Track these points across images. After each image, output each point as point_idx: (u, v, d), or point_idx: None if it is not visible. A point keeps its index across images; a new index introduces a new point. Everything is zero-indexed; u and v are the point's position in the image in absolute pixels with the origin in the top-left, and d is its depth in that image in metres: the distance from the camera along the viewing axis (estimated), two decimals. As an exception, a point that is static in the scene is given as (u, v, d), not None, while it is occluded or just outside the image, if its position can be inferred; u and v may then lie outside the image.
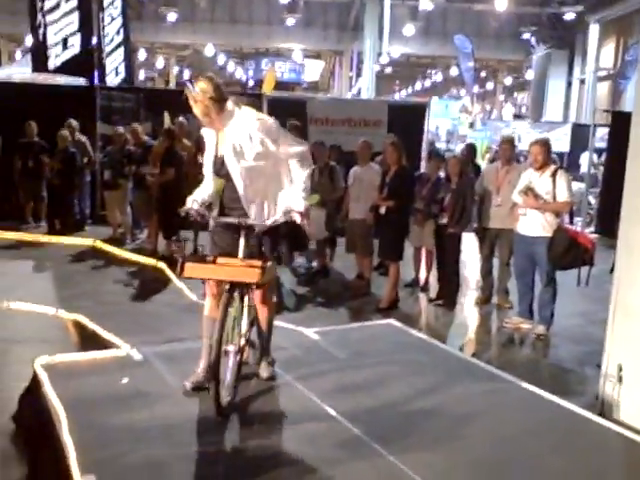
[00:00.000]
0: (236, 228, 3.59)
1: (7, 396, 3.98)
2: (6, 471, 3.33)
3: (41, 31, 12.63)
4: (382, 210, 6.68)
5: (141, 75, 32.02)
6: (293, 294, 6.95)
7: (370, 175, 7.08)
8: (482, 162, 14.42)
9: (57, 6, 12.48)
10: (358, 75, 29.68)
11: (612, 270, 4.63)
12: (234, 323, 3.54)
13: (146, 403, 3.56)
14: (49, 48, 12.60)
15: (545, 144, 6.27)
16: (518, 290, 6.32)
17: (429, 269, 7.44)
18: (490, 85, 35.11)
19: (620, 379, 4.32)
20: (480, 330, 6.43)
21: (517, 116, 27.22)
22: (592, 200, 12.64)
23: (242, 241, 3.53)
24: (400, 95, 40.94)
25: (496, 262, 7.03)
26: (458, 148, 19.07)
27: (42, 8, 12.47)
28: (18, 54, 28.10)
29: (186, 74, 35.37)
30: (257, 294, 3.74)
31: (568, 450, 3.36)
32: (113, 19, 14.40)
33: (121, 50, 14.21)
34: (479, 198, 6.91)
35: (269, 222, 3.60)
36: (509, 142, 7.28)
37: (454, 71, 28.16)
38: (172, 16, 24.58)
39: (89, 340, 5.02)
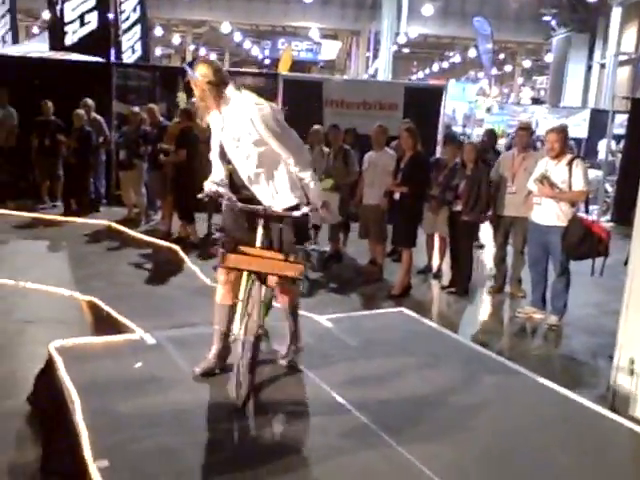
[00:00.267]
0: (250, 215, 3.54)
1: (23, 376, 4.04)
2: (21, 452, 3.40)
3: (58, 7, 12.61)
4: (396, 196, 6.65)
5: (157, 52, 31.93)
6: (306, 279, 6.97)
7: (385, 160, 7.04)
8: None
9: (74, -18, 12.45)
10: (375, 56, 29.42)
11: (627, 262, 4.61)
12: (251, 310, 3.49)
13: (159, 388, 3.59)
14: (66, 25, 12.59)
15: (562, 132, 6.19)
16: (531, 279, 6.29)
17: (442, 256, 7.42)
18: (509, 68, 34.66)
19: (632, 372, 4.32)
20: (492, 319, 6.43)
21: (535, 100, 26.88)
22: (609, 188, 12.51)
23: (260, 230, 3.48)
24: (417, 76, 40.58)
25: (510, 250, 7.00)
26: (475, 132, 18.91)
27: (59, -16, 12.45)
28: (35, 29, 28.14)
29: (202, 51, 35.27)
30: (280, 290, 3.71)
31: (577, 444, 3.36)
32: (130, -5, 14.31)
33: (137, 28, 14.16)
34: (494, 185, 6.86)
35: (295, 212, 3.53)
36: (526, 129, 7.21)
37: (472, 53, 27.81)
38: (189, -8, 24.48)
39: (103, 322, 5.09)
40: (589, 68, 24.83)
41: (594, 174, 13.08)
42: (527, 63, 33.01)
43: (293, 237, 3.66)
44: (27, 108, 9.83)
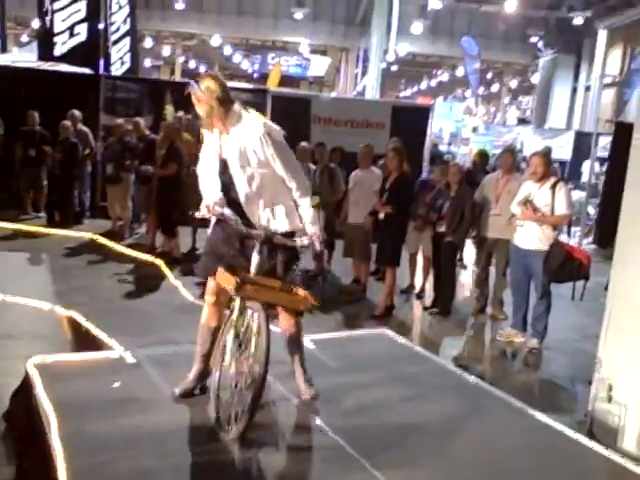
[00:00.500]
0: (244, 238, 3.46)
1: (-1, 394, 3.99)
2: (-5, 471, 3.35)
3: (48, 18, 12.61)
4: (381, 215, 6.68)
5: (147, 63, 31.93)
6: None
7: (371, 180, 7.08)
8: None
9: (65, -7, 12.47)
10: (364, 72, 29.60)
11: (607, 287, 4.65)
12: (251, 343, 3.31)
13: (137, 409, 3.56)
14: (55, 35, 12.60)
15: (545, 156, 6.28)
16: (513, 302, 6.33)
17: (426, 276, 7.45)
18: (495, 87, 35.00)
19: (610, 398, 4.35)
20: (474, 341, 6.45)
21: (521, 120, 27.16)
22: (592, 211, 12.63)
23: (255, 255, 3.39)
24: (405, 94, 40.87)
25: (492, 272, 7.05)
26: (461, 151, 19.06)
27: (50, -5, 12.46)
28: (24, 37, 28.05)
29: (192, 64, 35.30)
30: (284, 315, 3.64)
31: (553, 472, 3.37)
32: (120, 7, 14.33)
33: (127, 40, 14.17)
34: (478, 207, 6.92)
35: (297, 241, 3.48)
36: (510, 152, 7.31)
37: (460, 72, 28.09)
38: (180, 5, 24.53)
39: (83, 338, 5.05)
40: (574, 90, 25.15)
41: (577, 196, 13.24)
42: (514, 83, 33.36)
43: (294, 265, 3.58)
44: (13, 118, 9.78)
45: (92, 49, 12.49)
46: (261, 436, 3.43)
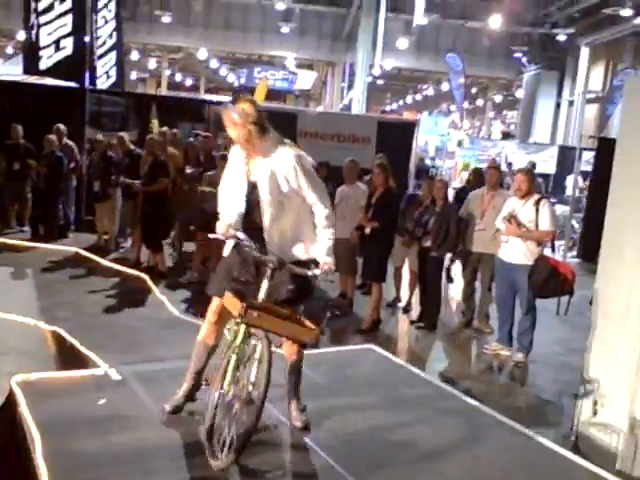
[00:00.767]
0: (258, 263, 3.39)
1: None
2: (-23, 492, 3.31)
3: (34, 32, 12.58)
4: (367, 230, 6.71)
5: (133, 76, 31.92)
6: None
7: (356, 195, 7.12)
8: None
9: (51, 7, 12.43)
10: (350, 86, 29.79)
11: (592, 301, 4.70)
12: (246, 368, 3.25)
13: (123, 427, 3.53)
14: (41, 49, 12.55)
15: (529, 172, 6.38)
16: (498, 317, 6.37)
17: (412, 290, 7.48)
18: (480, 102, 35.36)
19: (595, 412, 4.38)
20: (460, 355, 6.48)
21: (506, 134, 27.43)
22: (576, 225, 12.75)
23: (265, 282, 3.31)
24: (391, 107, 41.15)
25: (478, 286, 7.09)
26: (446, 165, 19.19)
27: (36, 9, 12.42)
28: (9, 49, 27.97)
29: (178, 76, 35.34)
30: (288, 343, 3.57)
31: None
32: (106, 22, 14.31)
33: (113, 53, 14.15)
34: (464, 222, 6.97)
35: (309, 271, 3.38)
36: (495, 168, 7.39)
37: (445, 86, 28.34)
38: (166, 18, 24.60)
39: (68, 354, 5.01)
40: (558, 105, 25.45)
41: (561, 209, 13.36)
42: (498, 98, 33.71)
43: (306, 294, 3.51)
44: (-2, 131, 9.73)
45: (78, 63, 12.43)
46: (249, 454, 3.41)
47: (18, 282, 7.58)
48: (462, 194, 7.47)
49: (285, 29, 26.48)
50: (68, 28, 12.38)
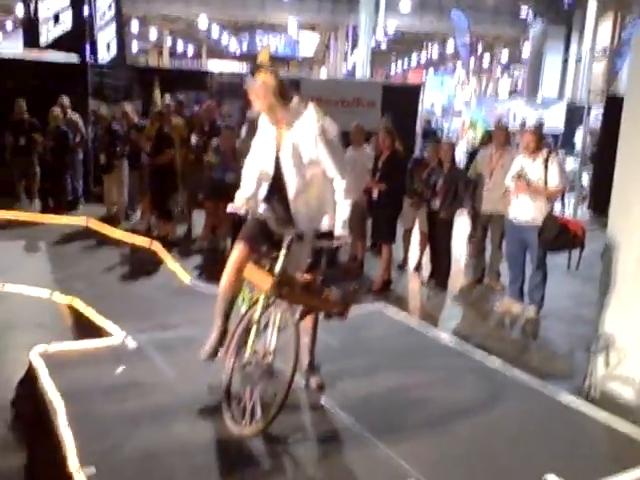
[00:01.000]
0: (278, 236, 3.37)
1: (4, 382, 4.01)
2: (5, 459, 3.38)
3: (32, 6, 12.45)
4: (375, 194, 6.70)
5: (134, 47, 31.65)
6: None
7: (363, 158, 7.07)
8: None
9: (48, -19, 12.29)
10: (353, 49, 29.44)
11: (603, 256, 4.70)
12: (266, 337, 3.26)
13: (141, 393, 3.61)
14: (40, 24, 12.43)
15: (537, 130, 6.32)
16: (509, 273, 6.39)
17: (423, 250, 7.50)
18: (486, 60, 34.85)
19: (607, 364, 4.42)
20: (471, 312, 6.51)
21: (513, 91, 27.10)
22: (585, 180, 12.67)
23: (282, 254, 3.30)
24: (395, 70, 40.62)
25: (488, 244, 7.10)
26: (453, 125, 19.03)
27: (33, -17, 12.29)
28: (9, 24, 27.74)
29: (180, 45, 35.00)
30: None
31: (553, 438, 3.43)
32: (105, -7, 14.13)
33: (113, 25, 13.95)
34: (472, 182, 6.95)
35: (326, 242, 3.35)
36: (502, 128, 7.35)
37: (451, 46, 27.93)
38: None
39: (84, 325, 5.07)
40: (565, 61, 25.07)
41: (571, 166, 13.28)
42: (505, 55, 33.21)
43: (327, 265, 3.44)
44: (1, 107, 9.70)
45: (78, 37, 12.29)
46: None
47: (31, 255, 7.65)
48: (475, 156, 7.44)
49: (286, -8, 26.11)
50: (66, 1, 12.23)
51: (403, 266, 7.61)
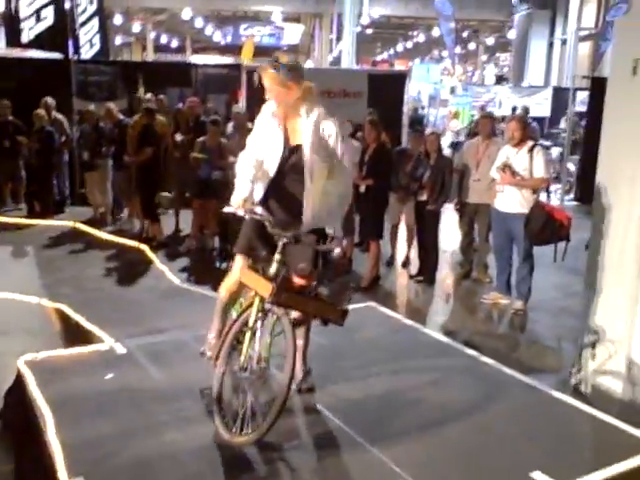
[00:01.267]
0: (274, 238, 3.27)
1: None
2: (-7, 469, 3.40)
3: (13, 4, 12.32)
4: (362, 189, 6.70)
5: (117, 41, 31.38)
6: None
7: (350, 152, 7.06)
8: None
9: (28, -23, 12.17)
10: (338, 38, 29.27)
11: (588, 246, 4.73)
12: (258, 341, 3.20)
13: (131, 400, 3.59)
14: (22, 21, 12.31)
15: (522, 120, 6.33)
16: (497, 266, 6.43)
17: (410, 245, 7.51)
18: (472, 46, 34.80)
19: (594, 356, 4.46)
20: (460, 306, 6.54)
21: (499, 77, 27.09)
22: (572, 167, 12.69)
23: (277, 256, 3.22)
24: (382, 57, 40.50)
25: (476, 236, 7.12)
26: (440, 113, 19.01)
27: (13, -20, 12.16)
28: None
29: (164, 39, 34.69)
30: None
31: (542, 435, 3.46)
32: (86, -12, 14.01)
33: (95, 21, 13.88)
34: (459, 173, 6.96)
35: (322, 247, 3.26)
36: (488, 117, 7.33)
37: (436, 32, 27.83)
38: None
39: (72, 331, 5.06)
40: (551, 44, 25.04)
41: (557, 151, 13.31)
42: (490, 40, 33.14)
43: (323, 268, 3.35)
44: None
45: (60, 33, 12.21)
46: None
47: (18, 260, 7.61)
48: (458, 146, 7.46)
49: (269, -18, 25.89)
50: (46, -2, 12.14)
51: (391, 262, 7.62)
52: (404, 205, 7.17)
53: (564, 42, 23.79)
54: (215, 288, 6.19)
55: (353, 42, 26.40)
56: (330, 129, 3.32)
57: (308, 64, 30.56)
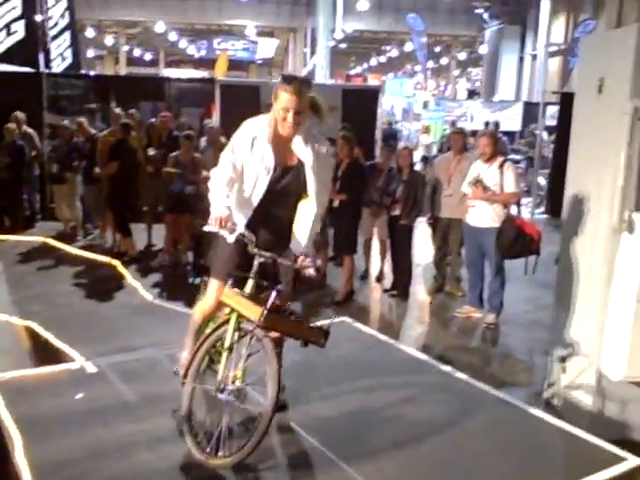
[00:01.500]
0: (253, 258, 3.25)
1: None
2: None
3: (-17, 17, 12.20)
4: (335, 203, 6.72)
5: (90, 54, 31.16)
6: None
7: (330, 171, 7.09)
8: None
9: (-1, -9, 12.07)
10: (313, 52, 29.49)
11: (557, 261, 4.79)
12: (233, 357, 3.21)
13: (102, 420, 3.56)
14: (-8, 35, 12.20)
15: (492, 136, 6.42)
16: (469, 280, 6.48)
17: (383, 259, 7.55)
18: (444, 61, 35.27)
19: (564, 369, 4.51)
20: (433, 321, 6.57)
21: (471, 92, 27.50)
22: (542, 181, 12.88)
23: (252, 275, 3.24)
24: (355, 72, 40.85)
25: (449, 251, 7.18)
26: (413, 127, 19.20)
27: (-18, -7, 12.04)
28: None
29: (137, 52, 34.59)
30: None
31: (515, 449, 3.50)
32: (57, 1, 13.91)
33: (67, 34, 13.78)
34: (431, 188, 7.03)
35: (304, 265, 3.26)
36: (460, 133, 7.41)
37: (409, 46, 28.21)
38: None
39: (43, 349, 4.96)
40: (521, 60, 25.51)
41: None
42: (462, 55, 33.64)
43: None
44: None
45: (31, 47, 12.10)
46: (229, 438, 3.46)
47: (-13, 277, 7.48)
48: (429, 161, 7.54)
49: (243, -4, 26.04)
50: (18, 11, 12.02)
51: (365, 276, 7.65)
52: (376, 219, 7.20)
53: (534, 57, 24.27)
54: (189, 304, 6.20)
55: (327, 56, 26.66)
56: (323, 149, 3.33)
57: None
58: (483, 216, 6.08)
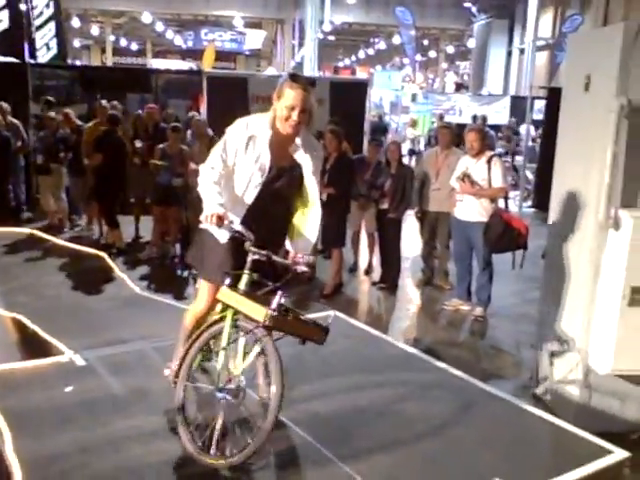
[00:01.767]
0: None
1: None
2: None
3: (-33, 7, 12.04)
4: (324, 197, 6.71)
5: (76, 43, 30.88)
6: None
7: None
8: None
9: (-18, -21, 11.90)
10: (301, 44, 29.38)
11: (544, 255, 4.83)
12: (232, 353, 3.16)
13: (92, 413, 3.54)
14: (-24, 25, 12.03)
15: (480, 131, 6.44)
16: (457, 273, 6.53)
17: (371, 252, 7.57)
18: (433, 54, 35.30)
19: (552, 363, 4.55)
20: (421, 313, 6.61)
21: (459, 85, 27.55)
22: (530, 175, 12.96)
23: (246, 272, 3.20)
24: (344, 64, 40.78)
25: (437, 244, 7.22)
26: (401, 120, 19.22)
27: (-35, -18, 11.88)
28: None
29: (123, 42, 34.29)
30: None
31: (502, 443, 3.52)
32: (42, -10, 13.75)
33: (52, 24, 13.62)
34: (419, 182, 7.05)
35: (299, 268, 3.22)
36: (447, 128, 7.44)
37: (397, 39, 28.19)
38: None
39: (30, 342, 4.93)
40: (509, 53, 25.58)
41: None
42: (450, 49, 33.67)
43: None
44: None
45: (16, 37, 11.95)
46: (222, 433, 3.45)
47: (-27, 269, 7.41)
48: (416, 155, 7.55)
49: (231, -13, 25.87)
50: (2, 0, 11.85)
51: (354, 268, 7.67)
52: (365, 212, 7.22)
53: (522, 51, 24.35)
54: (177, 296, 6.22)
55: (315, 48, 26.55)
56: (318, 149, 3.39)
57: (270, 70, 30.60)
58: (471, 210, 6.12)
